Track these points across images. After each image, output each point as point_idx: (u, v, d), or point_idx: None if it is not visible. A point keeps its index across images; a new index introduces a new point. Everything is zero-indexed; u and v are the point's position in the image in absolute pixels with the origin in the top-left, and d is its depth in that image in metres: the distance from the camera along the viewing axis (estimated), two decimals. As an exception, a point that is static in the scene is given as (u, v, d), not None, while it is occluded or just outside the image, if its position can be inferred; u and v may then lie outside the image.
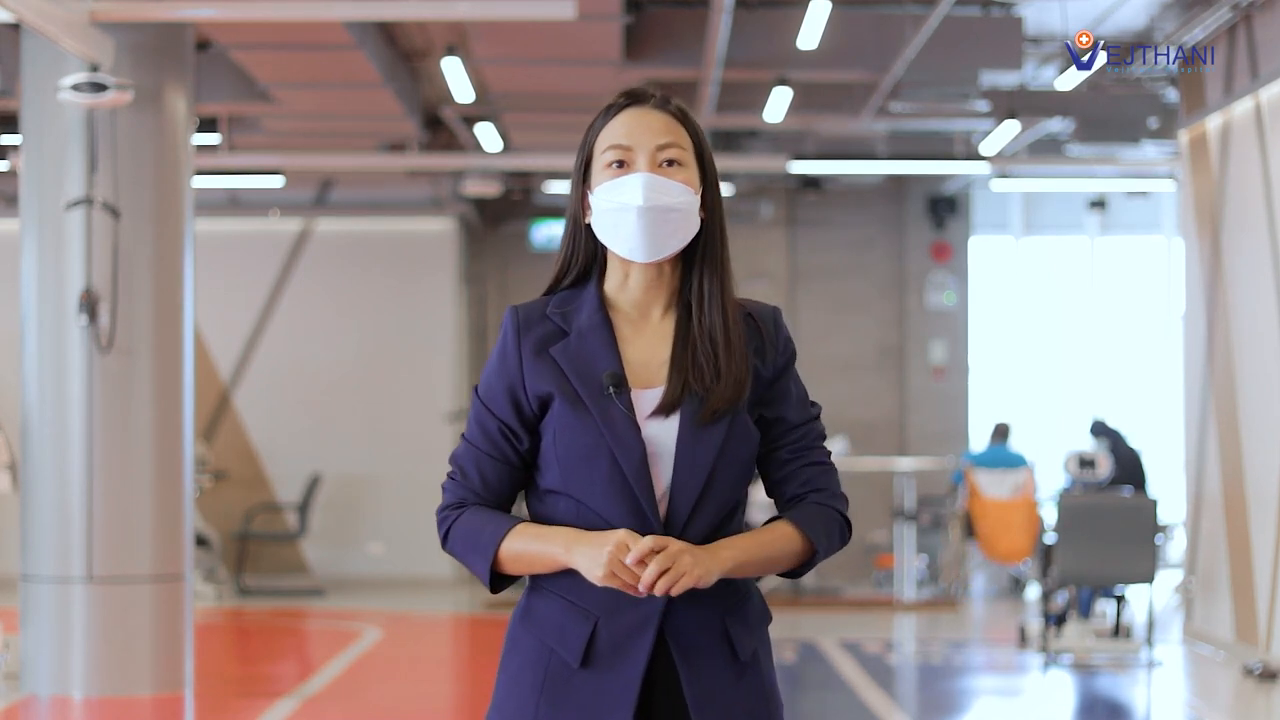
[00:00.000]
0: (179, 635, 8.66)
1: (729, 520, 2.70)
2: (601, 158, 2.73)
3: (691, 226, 2.72)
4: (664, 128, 2.72)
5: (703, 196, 2.74)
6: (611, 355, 2.69)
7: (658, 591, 2.57)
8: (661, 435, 2.67)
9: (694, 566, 2.58)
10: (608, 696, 2.64)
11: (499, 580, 2.72)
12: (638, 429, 2.65)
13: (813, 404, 2.83)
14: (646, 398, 2.69)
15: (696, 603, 2.65)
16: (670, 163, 2.71)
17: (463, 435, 2.78)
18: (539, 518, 2.74)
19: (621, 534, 2.59)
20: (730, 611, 2.69)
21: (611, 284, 2.77)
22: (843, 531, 2.78)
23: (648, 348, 2.73)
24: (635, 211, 2.67)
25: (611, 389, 2.66)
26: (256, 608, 14.02)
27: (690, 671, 2.65)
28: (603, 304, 2.74)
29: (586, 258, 2.77)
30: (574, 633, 2.66)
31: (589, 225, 2.75)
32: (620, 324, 2.74)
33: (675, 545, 2.58)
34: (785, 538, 2.72)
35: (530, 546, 2.66)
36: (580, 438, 2.66)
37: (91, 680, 8.48)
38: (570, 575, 2.65)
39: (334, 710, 9.00)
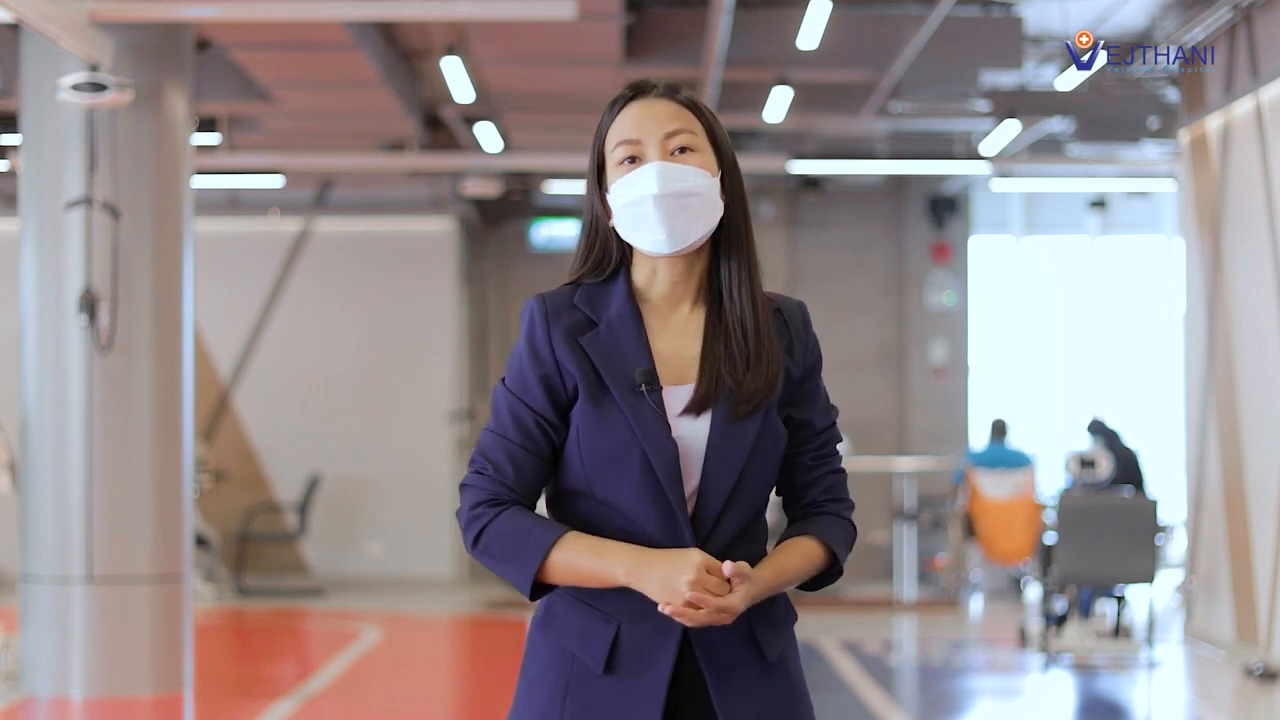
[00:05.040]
0: (178, 635, 8.65)
1: (757, 518, 2.64)
2: (613, 156, 2.64)
3: (715, 211, 2.63)
4: (671, 115, 2.64)
5: (722, 181, 2.66)
6: (642, 348, 2.61)
7: (690, 622, 2.52)
8: (692, 434, 2.59)
9: (737, 609, 2.54)
10: (634, 703, 2.57)
11: (539, 589, 2.61)
12: (669, 428, 2.58)
13: (832, 407, 2.77)
14: (676, 394, 2.61)
15: None
16: (682, 150, 2.62)
17: (487, 429, 2.66)
18: (559, 516, 2.66)
19: (699, 562, 2.51)
20: (756, 614, 2.61)
21: (640, 278, 2.68)
22: (852, 543, 2.75)
23: (677, 341, 2.65)
24: (651, 201, 2.58)
25: (644, 386, 2.58)
26: (256, 608, 14.01)
27: (717, 676, 2.59)
28: (632, 295, 2.66)
29: (611, 259, 2.68)
30: (597, 638, 2.59)
31: (613, 226, 2.66)
32: (649, 316, 2.65)
33: (736, 595, 2.53)
34: (814, 556, 2.68)
35: (585, 562, 2.56)
36: (609, 436, 2.57)
37: (91, 680, 8.48)
38: None
39: (334, 710, 9.00)
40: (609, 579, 2.56)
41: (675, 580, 2.50)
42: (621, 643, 2.58)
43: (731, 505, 2.59)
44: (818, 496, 2.72)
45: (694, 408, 2.60)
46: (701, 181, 2.62)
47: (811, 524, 2.71)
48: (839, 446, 2.78)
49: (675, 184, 2.59)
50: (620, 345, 2.61)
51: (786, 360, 2.66)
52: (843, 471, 2.77)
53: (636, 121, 2.64)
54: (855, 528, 2.76)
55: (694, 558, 2.51)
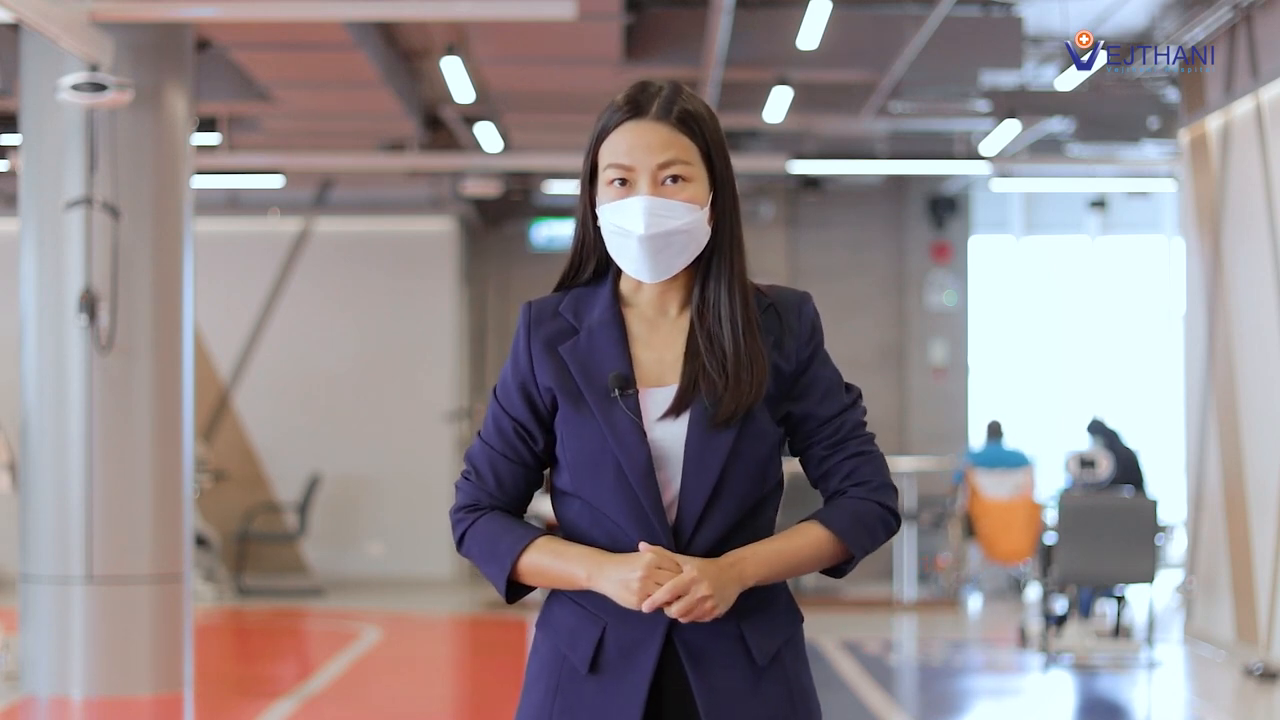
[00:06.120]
0: (178, 635, 8.66)
1: (751, 519, 2.62)
2: (604, 174, 2.63)
3: (699, 242, 2.62)
4: (664, 143, 2.60)
5: (714, 198, 2.65)
6: (620, 354, 2.62)
7: (673, 613, 2.53)
8: (671, 437, 2.59)
9: (716, 607, 2.53)
10: (615, 704, 2.58)
11: (516, 590, 2.66)
12: (643, 433, 2.58)
13: (849, 388, 2.73)
14: (657, 396, 2.61)
15: None
16: (674, 179, 2.60)
17: (478, 434, 2.72)
18: (559, 516, 2.68)
19: (649, 559, 2.53)
20: (747, 615, 2.60)
21: (627, 286, 2.69)
22: (886, 524, 2.68)
23: (662, 345, 2.65)
24: (636, 240, 2.58)
25: (616, 391, 2.59)
26: (256, 608, 14.01)
27: (701, 678, 2.58)
28: (617, 300, 2.66)
29: (600, 259, 2.69)
30: (584, 638, 2.60)
31: (600, 228, 2.66)
32: (634, 321, 2.66)
33: (698, 585, 2.51)
34: (814, 542, 2.63)
35: (551, 565, 2.61)
36: (585, 442, 2.60)
37: (91, 680, 8.48)
38: None
39: (334, 710, 9.00)
40: (573, 583, 2.60)
41: (629, 581, 2.52)
42: (606, 643, 2.60)
43: (714, 506, 2.58)
44: (838, 485, 2.68)
45: (672, 410, 2.60)
46: (689, 218, 2.60)
47: (821, 509, 2.68)
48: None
49: (662, 223, 2.58)
50: (598, 352, 2.62)
51: (775, 356, 2.65)
52: (867, 453, 2.69)
53: (630, 146, 2.60)
54: (887, 509, 2.68)
55: (645, 558, 2.53)
